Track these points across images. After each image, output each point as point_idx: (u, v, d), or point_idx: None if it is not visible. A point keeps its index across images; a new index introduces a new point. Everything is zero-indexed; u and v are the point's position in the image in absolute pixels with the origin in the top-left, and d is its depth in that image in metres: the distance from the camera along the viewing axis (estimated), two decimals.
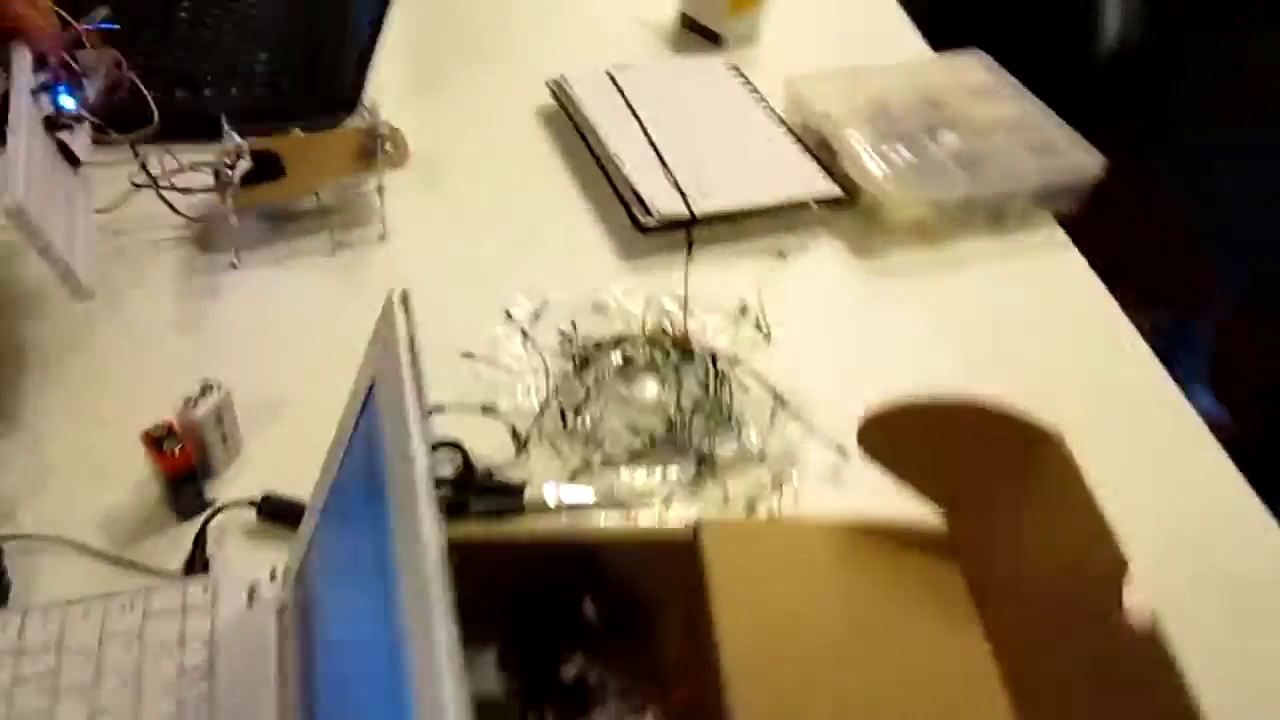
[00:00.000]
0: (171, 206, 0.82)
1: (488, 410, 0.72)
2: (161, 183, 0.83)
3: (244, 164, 0.83)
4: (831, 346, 0.80)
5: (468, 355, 0.75)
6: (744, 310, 0.81)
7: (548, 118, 0.99)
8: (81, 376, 0.73)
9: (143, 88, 0.80)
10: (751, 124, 0.95)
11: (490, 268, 0.84)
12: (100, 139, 0.80)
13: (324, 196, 0.86)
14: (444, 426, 0.71)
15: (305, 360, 0.74)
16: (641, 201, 0.85)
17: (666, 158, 0.89)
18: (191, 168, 0.84)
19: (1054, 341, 0.82)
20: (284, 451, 0.68)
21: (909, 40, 1.15)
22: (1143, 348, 0.82)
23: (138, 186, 0.82)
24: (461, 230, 0.87)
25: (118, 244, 0.83)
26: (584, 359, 0.75)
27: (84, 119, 0.78)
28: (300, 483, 0.57)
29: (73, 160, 0.76)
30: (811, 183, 0.89)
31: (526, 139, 0.97)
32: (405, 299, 0.45)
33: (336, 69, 0.97)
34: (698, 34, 1.12)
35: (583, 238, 0.87)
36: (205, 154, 0.83)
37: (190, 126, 0.86)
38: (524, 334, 0.77)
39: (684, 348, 0.76)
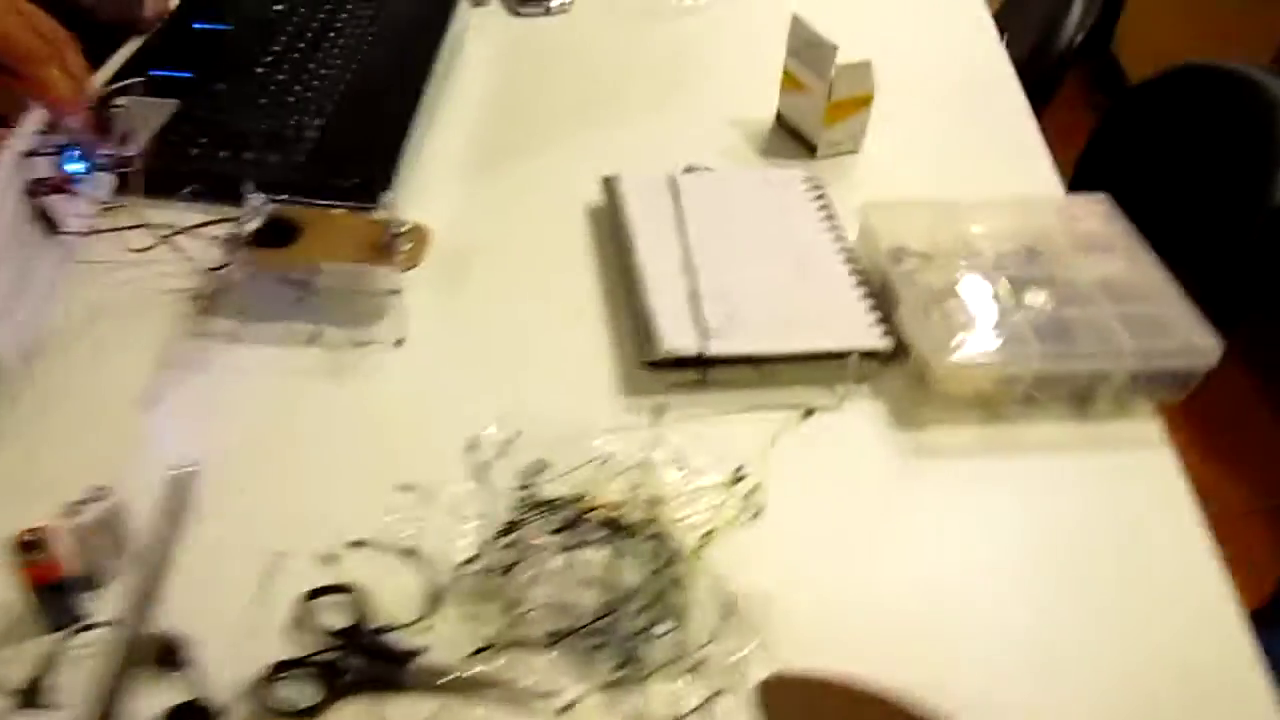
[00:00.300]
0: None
1: (409, 554, 0.64)
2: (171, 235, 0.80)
3: (256, 221, 0.79)
4: (835, 536, 0.68)
5: (406, 488, 0.68)
6: (737, 478, 0.70)
7: (597, 219, 0.91)
8: (22, 442, 0.70)
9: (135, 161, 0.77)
10: (812, 253, 0.84)
11: (477, 384, 0.76)
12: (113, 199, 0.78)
13: (342, 281, 0.81)
14: (356, 567, 0.63)
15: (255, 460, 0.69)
16: (653, 330, 0.76)
17: (701, 282, 0.80)
18: (205, 225, 0.80)
19: (1127, 570, 0.67)
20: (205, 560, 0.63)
21: (1039, 172, 1.00)
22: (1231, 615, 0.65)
23: (138, 251, 0.79)
24: (464, 336, 0.80)
25: (116, 300, 0.80)
26: (531, 512, 0.65)
27: (84, 183, 0.76)
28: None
29: (51, 226, 0.73)
30: (859, 331, 0.77)
31: (566, 240, 0.89)
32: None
33: (382, 151, 0.92)
34: (793, 138, 1.01)
35: (588, 362, 0.78)
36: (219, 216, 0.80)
37: (218, 188, 0.82)
38: (479, 471, 0.69)
39: (648, 517, 0.66)
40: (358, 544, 0.65)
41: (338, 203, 0.85)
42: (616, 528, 0.64)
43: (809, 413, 0.75)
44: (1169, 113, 1.23)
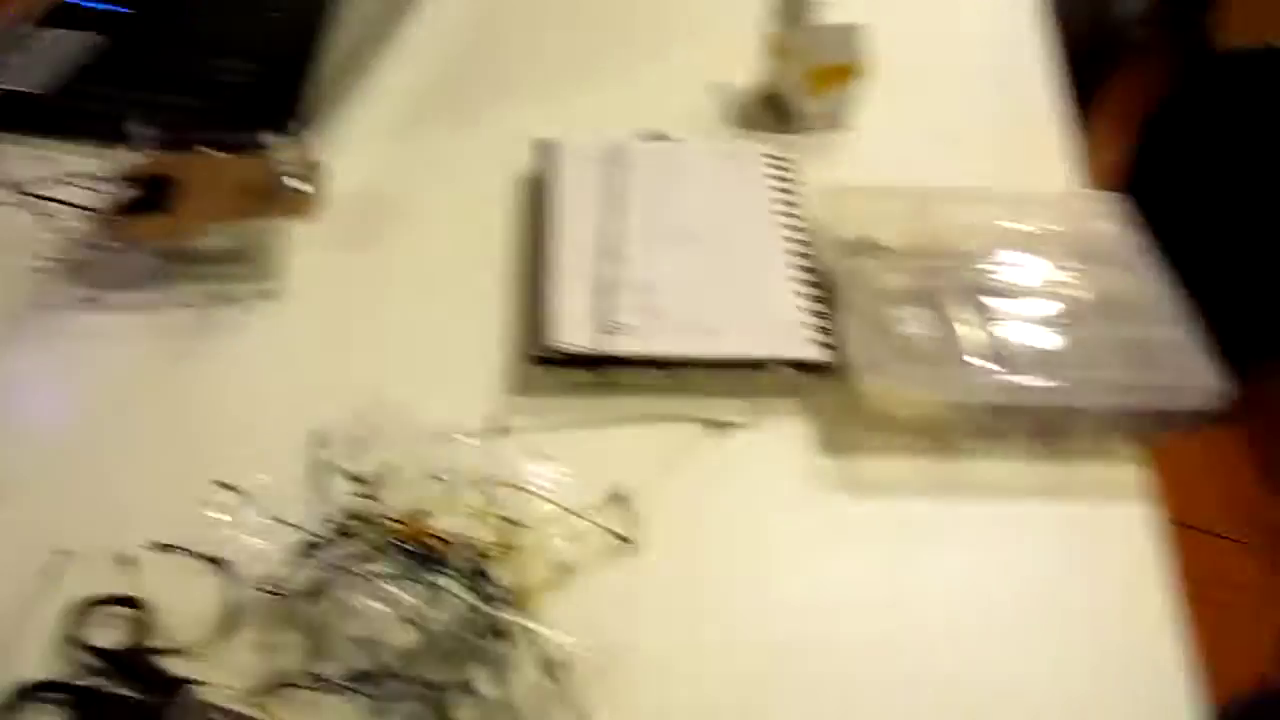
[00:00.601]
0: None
1: (217, 564, 0.56)
2: (32, 190, 0.72)
3: (126, 190, 0.71)
4: (725, 585, 0.57)
5: (225, 486, 0.59)
6: (614, 498, 0.59)
7: (530, 189, 0.80)
8: None
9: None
10: (757, 241, 0.73)
11: (344, 363, 0.67)
12: None
13: (224, 238, 0.73)
14: (153, 575, 0.55)
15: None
16: (544, 324, 0.65)
17: (624, 269, 0.69)
18: (69, 180, 0.72)
19: (1077, 649, 0.56)
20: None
21: (1059, 171, 0.86)
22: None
23: None
24: (343, 306, 0.71)
25: None
26: (351, 526, 0.56)
27: None
28: None
29: None
30: (790, 337, 0.66)
31: (490, 209, 0.79)
32: None
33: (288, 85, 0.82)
34: (774, 111, 0.89)
35: (475, 352, 0.68)
36: (96, 161, 0.72)
37: (107, 131, 0.74)
38: (317, 471, 0.60)
39: (495, 543, 0.56)
40: (164, 546, 0.56)
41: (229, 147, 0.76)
42: (443, 556, 0.54)
43: (718, 428, 0.64)
44: (1252, 95, 1.08)
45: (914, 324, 0.66)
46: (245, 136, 0.74)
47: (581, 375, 0.65)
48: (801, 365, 0.65)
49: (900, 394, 0.63)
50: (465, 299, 0.71)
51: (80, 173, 0.73)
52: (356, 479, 0.58)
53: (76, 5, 0.91)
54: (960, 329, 0.65)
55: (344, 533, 0.56)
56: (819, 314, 0.67)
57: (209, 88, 0.83)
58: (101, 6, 0.91)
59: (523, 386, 0.66)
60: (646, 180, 0.77)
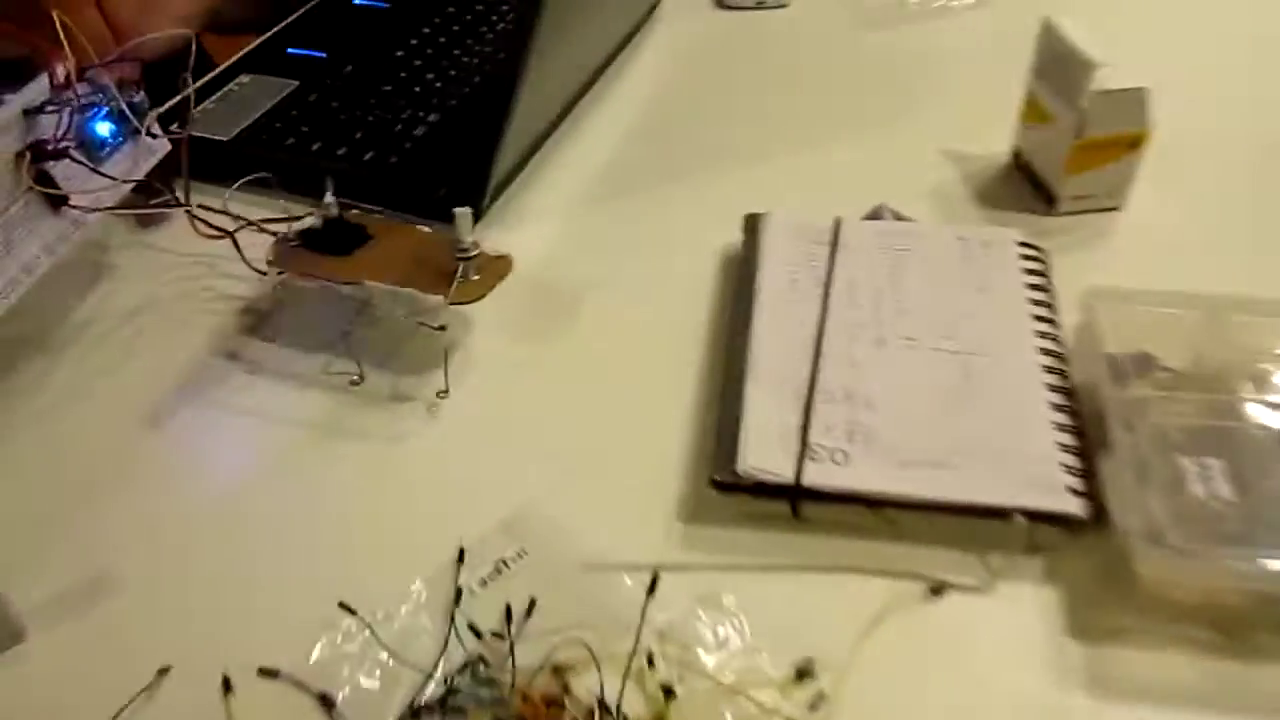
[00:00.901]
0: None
1: (324, 703, 0.48)
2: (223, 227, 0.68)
3: (310, 220, 0.66)
4: None
5: (347, 609, 0.51)
6: (801, 674, 0.48)
7: (731, 271, 0.70)
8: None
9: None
10: (1001, 352, 0.60)
11: (503, 473, 0.58)
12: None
13: (388, 304, 0.66)
14: (251, 700, 0.47)
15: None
16: (735, 443, 0.55)
17: (826, 374, 0.58)
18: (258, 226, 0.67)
19: None
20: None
21: None
22: None
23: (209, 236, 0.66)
24: (508, 407, 0.62)
25: (158, 296, 0.70)
26: (470, 685, 0.47)
27: (110, 150, 0.64)
28: None
29: (56, 199, 0.62)
30: (1037, 482, 0.52)
31: (686, 295, 0.69)
32: None
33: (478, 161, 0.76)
34: (1030, 185, 0.76)
35: (651, 467, 0.58)
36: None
37: (296, 181, 0.69)
38: (449, 598, 0.51)
39: (650, 715, 0.45)
40: (268, 673, 0.49)
41: (419, 215, 0.70)
42: None
43: (938, 590, 0.51)
44: None
45: (1204, 478, 0.51)
46: (429, 207, 0.67)
47: (774, 507, 0.54)
48: (1052, 519, 0.51)
49: (1181, 571, 0.49)
50: (644, 403, 0.62)
51: (274, 217, 0.68)
52: (479, 632, 0.49)
53: (280, 50, 0.88)
54: (1271, 490, 0.50)
55: (445, 694, 0.46)
56: (1078, 453, 0.54)
57: (397, 145, 0.77)
58: (302, 53, 0.88)
59: (701, 514, 0.55)
60: (870, 268, 0.65)
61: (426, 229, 0.68)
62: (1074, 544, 0.52)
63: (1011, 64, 0.75)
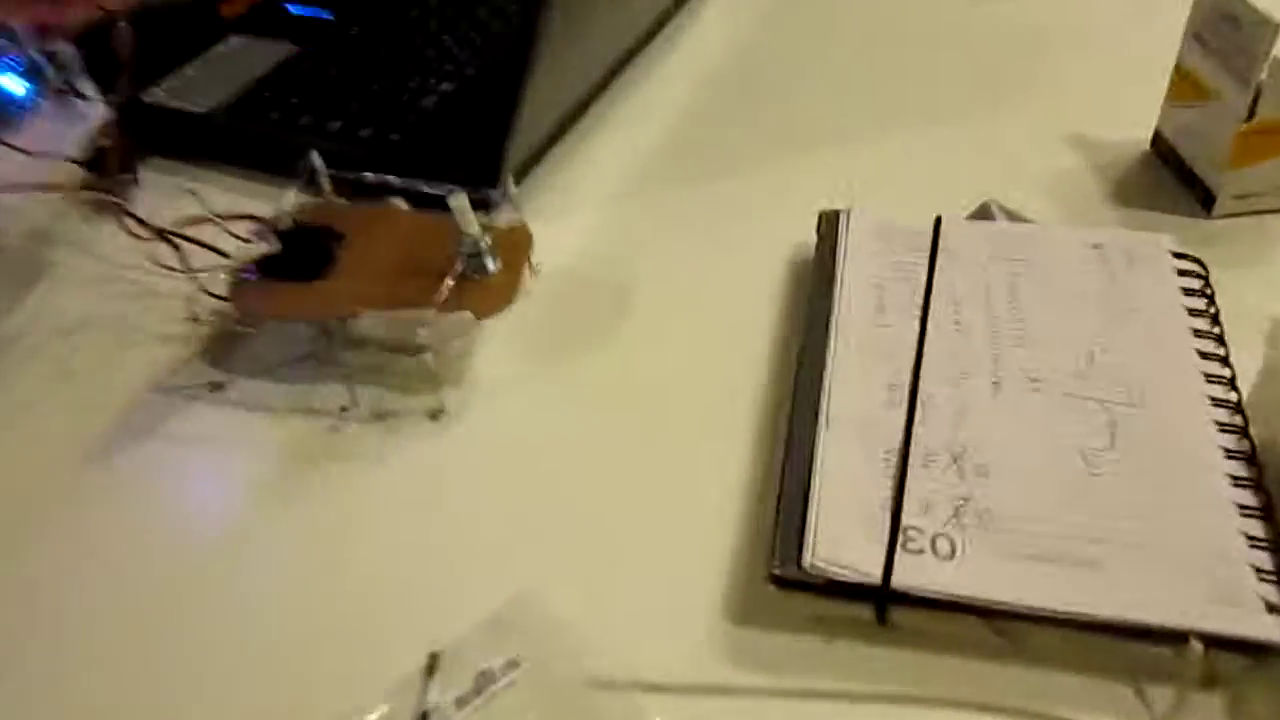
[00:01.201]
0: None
1: None
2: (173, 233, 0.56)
3: (264, 245, 0.54)
4: None
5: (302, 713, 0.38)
6: None
7: (802, 279, 0.56)
8: None
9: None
10: (1159, 402, 0.45)
11: (502, 539, 0.45)
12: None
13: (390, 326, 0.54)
14: None
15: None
16: (803, 524, 0.41)
17: (936, 435, 0.44)
18: (219, 221, 0.55)
19: None
20: None
21: None
22: None
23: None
24: (509, 456, 0.49)
25: (98, 305, 0.58)
26: None
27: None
28: None
29: None
30: (1216, 592, 0.38)
31: (736, 310, 0.55)
32: None
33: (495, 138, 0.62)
34: (1178, 179, 0.61)
35: (690, 550, 0.44)
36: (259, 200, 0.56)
37: (280, 161, 0.57)
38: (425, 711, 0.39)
39: None
40: None
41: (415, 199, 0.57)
42: None
43: None
44: None
45: None
46: (436, 186, 0.54)
47: (854, 611, 0.40)
48: (1238, 645, 0.37)
49: None
50: (684, 459, 0.48)
51: (233, 214, 0.56)
52: None
53: (277, 8, 0.76)
54: None
55: None
56: (1272, 548, 0.39)
57: (400, 119, 0.65)
58: (306, 12, 0.76)
59: (756, 618, 0.42)
60: (980, 283, 0.51)
61: (410, 211, 0.56)
62: (1266, 674, 0.38)
63: (1156, 28, 0.61)
